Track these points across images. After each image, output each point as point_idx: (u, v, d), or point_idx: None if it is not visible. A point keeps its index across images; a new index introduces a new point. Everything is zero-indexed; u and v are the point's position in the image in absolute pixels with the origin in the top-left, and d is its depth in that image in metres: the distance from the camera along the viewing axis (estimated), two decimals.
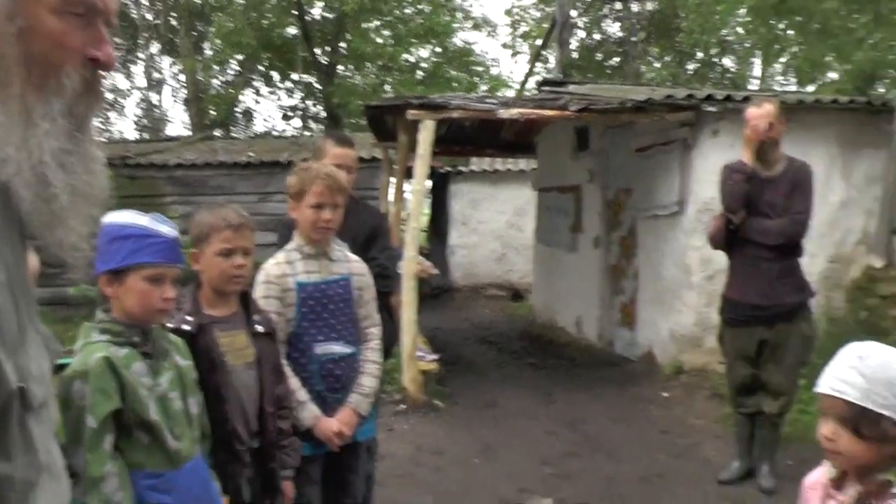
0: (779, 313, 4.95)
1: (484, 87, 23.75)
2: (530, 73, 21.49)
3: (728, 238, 5.04)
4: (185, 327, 2.63)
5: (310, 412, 3.13)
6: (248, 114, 26.75)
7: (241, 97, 25.36)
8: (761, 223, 4.92)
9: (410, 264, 6.91)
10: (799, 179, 4.98)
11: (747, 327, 5.02)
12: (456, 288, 16.09)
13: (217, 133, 21.69)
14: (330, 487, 3.32)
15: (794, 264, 5.07)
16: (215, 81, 25.27)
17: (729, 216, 4.97)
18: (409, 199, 8.32)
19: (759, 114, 4.86)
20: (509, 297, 15.46)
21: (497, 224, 16.24)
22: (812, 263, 7.80)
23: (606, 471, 5.53)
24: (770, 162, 4.95)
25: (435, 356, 8.17)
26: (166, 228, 2.34)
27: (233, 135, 23.61)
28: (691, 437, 6.25)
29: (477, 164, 16.27)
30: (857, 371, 1.87)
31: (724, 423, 6.23)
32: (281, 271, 3.20)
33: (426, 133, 7.44)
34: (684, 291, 7.88)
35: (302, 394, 3.12)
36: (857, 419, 1.85)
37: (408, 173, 8.77)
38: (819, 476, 2.07)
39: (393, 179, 10.71)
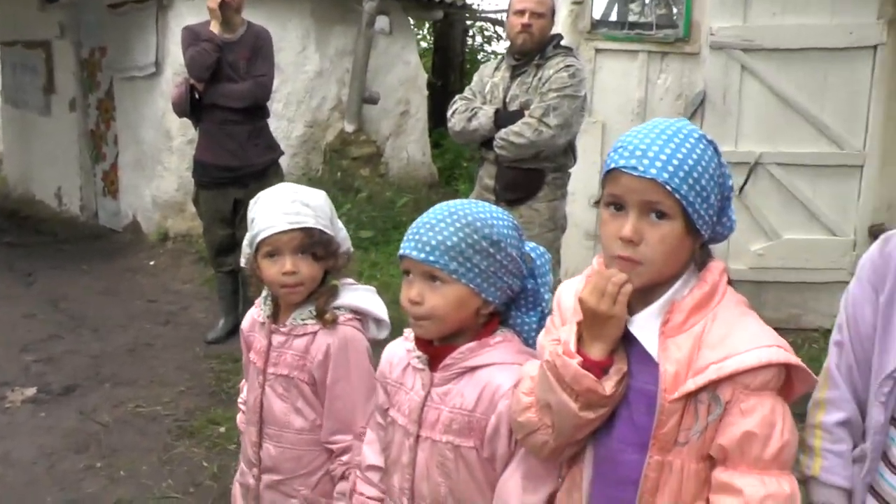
0: (251, 173, 5.14)
1: None
2: None
3: (193, 104, 5.08)
4: None
5: None
6: None
7: None
8: (227, 87, 5.02)
9: None
10: (260, 44, 5.16)
11: (221, 189, 5.18)
12: None
13: None
14: None
15: (263, 125, 5.28)
16: None
17: (193, 84, 5.01)
18: None
19: None
20: None
21: None
22: (291, 128, 8.32)
23: (93, 348, 5.42)
24: (233, 27, 5.05)
25: None
26: None
27: None
28: (179, 303, 6.36)
29: None
30: (299, 203, 2.11)
31: (209, 284, 6.37)
32: None
33: None
34: (165, 156, 7.82)
35: None
36: (314, 244, 2.10)
37: None
38: (254, 319, 2.29)
39: None
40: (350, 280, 2.26)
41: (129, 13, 8.16)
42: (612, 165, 1.47)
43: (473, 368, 1.73)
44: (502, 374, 1.70)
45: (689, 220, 1.45)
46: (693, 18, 5.63)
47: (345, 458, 2.11)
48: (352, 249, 2.29)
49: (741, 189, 5.57)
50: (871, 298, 1.64)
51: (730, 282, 1.55)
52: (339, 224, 2.23)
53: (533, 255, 1.83)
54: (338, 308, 2.14)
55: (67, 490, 3.69)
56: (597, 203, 4.87)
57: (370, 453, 1.96)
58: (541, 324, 1.77)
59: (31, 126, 10.57)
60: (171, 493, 3.66)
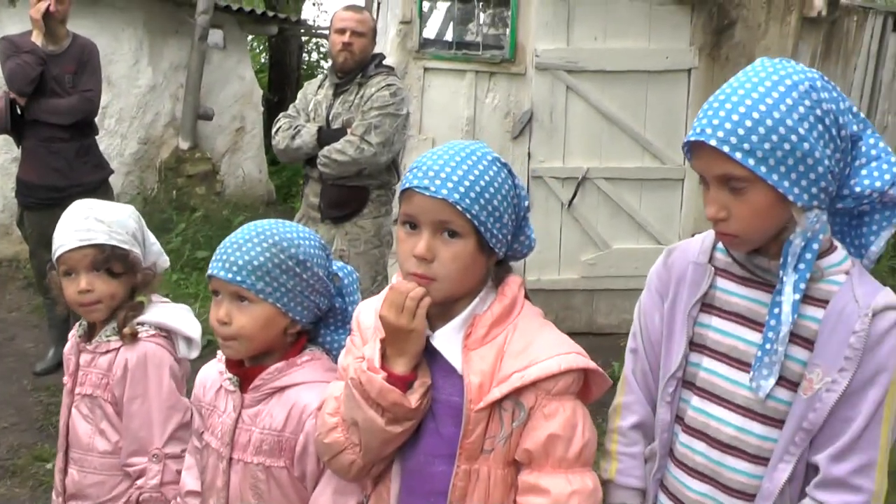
0: (79, 193, 4.87)
1: None
2: None
3: (14, 120, 4.82)
4: None
5: None
6: None
7: None
8: (51, 102, 4.78)
9: None
10: (86, 56, 4.94)
11: (48, 210, 4.87)
12: None
13: None
14: None
15: (91, 142, 5.06)
16: None
17: (14, 98, 4.76)
18: None
19: None
20: None
21: None
22: (124, 145, 8.03)
23: None
24: (57, 38, 4.83)
25: None
26: None
27: None
28: (4, 332, 5.96)
29: None
30: (92, 219, 2.07)
31: (39, 313, 6.04)
32: None
33: None
34: None
35: None
36: (110, 260, 2.06)
37: None
38: (73, 340, 2.23)
39: None
40: (162, 298, 2.23)
41: None
42: (406, 185, 1.51)
43: (282, 388, 1.76)
44: (310, 393, 1.74)
45: (482, 239, 1.50)
46: (518, 40, 5.87)
47: (140, 481, 2.05)
48: (166, 265, 2.27)
49: (570, 202, 5.86)
50: (659, 306, 1.72)
51: (526, 295, 1.62)
52: (152, 239, 2.21)
53: (340, 274, 1.87)
54: (142, 324, 2.10)
55: None
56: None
57: (189, 479, 1.95)
58: None
59: None
60: None
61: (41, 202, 4.92)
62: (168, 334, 2.13)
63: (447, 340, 1.55)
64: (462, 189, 1.46)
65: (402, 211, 1.53)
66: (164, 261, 2.24)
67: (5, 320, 6.24)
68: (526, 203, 1.59)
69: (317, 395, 1.71)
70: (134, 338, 2.06)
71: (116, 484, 2.09)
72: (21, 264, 7.09)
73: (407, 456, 1.59)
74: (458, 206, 1.46)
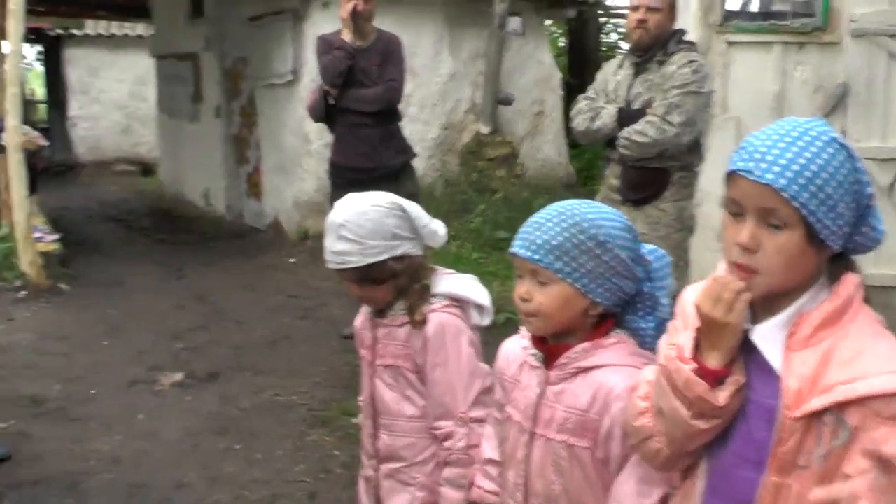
0: (384, 175, 5.25)
1: None
2: None
3: (327, 109, 5.28)
4: None
5: None
6: None
7: None
8: (359, 92, 5.18)
9: (14, 135, 6.37)
10: (390, 49, 5.29)
11: (355, 189, 5.28)
12: (81, 164, 15.17)
13: None
14: None
15: (395, 128, 5.40)
16: None
17: (327, 90, 5.22)
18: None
19: None
20: (139, 172, 14.87)
21: (119, 94, 15.43)
22: (427, 130, 8.51)
23: (235, 339, 5.74)
24: (364, 34, 5.23)
25: (55, 236, 7.77)
26: None
27: None
28: (317, 299, 6.62)
29: (92, 27, 15.14)
30: (345, 240, 2.10)
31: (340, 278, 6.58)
32: None
33: None
34: (304, 159, 8.17)
35: None
36: (368, 274, 2.12)
37: (2, 34, 7.98)
38: (364, 316, 2.33)
39: None
40: (447, 269, 2.27)
41: (268, 25, 8.58)
42: (731, 168, 1.39)
43: (587, 369, 1.72)
44: (616, 376, 1.69)
45: (812, 230, 1.34)
46: (832, 5, 5.29)
47: (447, 443, 2.14)
48: (443, 240, 2.24)
49: (892, 186, 5.23)
50: None
51: (866, 298, 1.43)
52: (423, 222, 2.19)
53: (650, 257, 1.79)
54: (435, 296, 2.16)
55: (208, 468, 3.93)
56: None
57: (488, 447, 1.99)
58: (658, 329, 1.73)
59: (182, 132, 11.25)
60: (303, 478, 3.83)
61: (349, 182, 5.35)
62: (460, 303, 2.18)
63: (768, 337, 1.41)
64: (790, 174, 1.31)
65: (728, 195, 1.41)
66: (441, 236, 2.23)
67: (319, 288, 6.90)
68: (869, 190, 1.40)
69: (622, 378, 1.67)
70: (424, 324, 2.13)
71: (426, 446, 2.20)
72: None
73: (715, 455, 1.49)
74: (783, 193, 1.31)
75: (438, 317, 2.13)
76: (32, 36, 13.69)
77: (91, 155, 15.40)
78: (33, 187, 6.96)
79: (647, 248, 1.80)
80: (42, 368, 5.23)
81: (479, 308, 2.21)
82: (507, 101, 8.98)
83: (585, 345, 1.73)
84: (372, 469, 2.33)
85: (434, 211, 5.16)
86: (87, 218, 10.71)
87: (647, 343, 1.76)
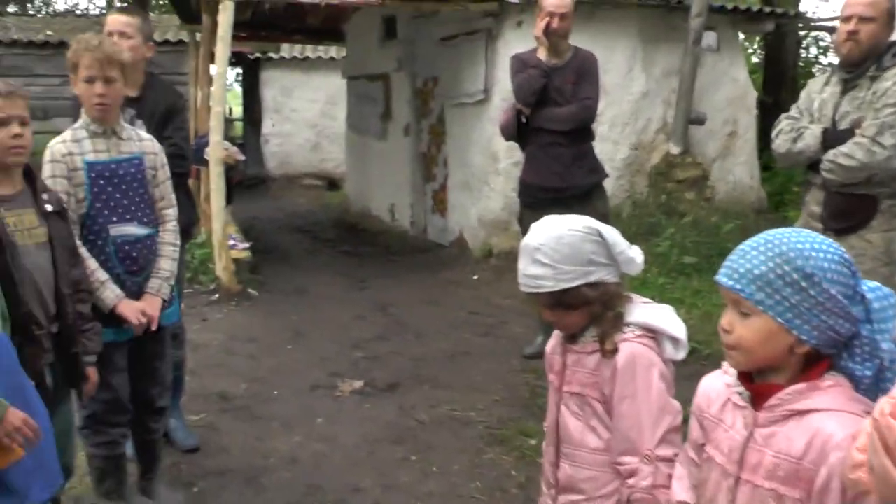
0: (575, 195, 5.17)
1: None
2: None
3: (520, 128, 5.20)
4: None
5: (111, 292, 3.07)
6: None
7: None
8: (552, 111, 5.09)
9: (216, 149, 6.73)
10: (586, 68, 5.17)
11: (545, 209, 5.17)
12: (271, 178, 15.91)
13: (10, 10, 19.96)
14: (136, 375, 3.29)
15: (588, 148, 5.30)
16: None
17: (520, 108, 5.14)
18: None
19: (559, 3, 4.98)
20: (325, 187, 15.45)
21: (310, 113, 16.05)
22: (616, 150, 8.31)
23: (415, 351, 5.75)
24: (560, 52, 5.12)
25: (247, 244, 8.12)
26: None
27: (29, 12, 21.80)
28: (498, 317, 6.55)
29: (287, 50, 15.88)
30: (539, 264, 2.04)
31: (530, 301, 6.47)
32: (67, 150, 3.06)
33: (225, 15, 7.23)
34: (492, 177, 8.15)
35: (101, 274, 3.05)
36: (560, 299, 2.06)
37: (213, 58, 8.50)
38: (556, 340, 2.28)
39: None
40: (642, 298, 2.18)
41: (460, 44, 8.64)
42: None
43: (801, 412, 1.58)
44: (834, 422, 1.53)
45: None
46: None
47: (631, 481, 2.03)
48: (639, 269, 2.14)
49: None
50: None
51: None
52: (619, 248, 2.09)
53: (871, 296, 1.60)
54: (628, 325, 2.07)
55: (384, 476, 3.92)
56: None
57: (680, 489, 1.89)
58: (878, 378, 1.57)
59: (370, 149, 11.52)
60: (478, 495, 3.75)
61: (539, 201, 5.26)
62: (654, 334, 2.09)
63: None
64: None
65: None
66: (638, 264, 2.13)
67: (500, 306, 6.84)
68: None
69: (842, 426, 1.52)
70: (615, 353, 2.05)
71: (609, 481, 2.11)
72: (516, 257, 7.64)
73: None
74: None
75: (630, 347, 2.05)
76: (234, 59, 14.48)
77: (281, 169, 16.08)
78: (229, 198, 7.28)
79: (870, 285, 1.62)
80: (230, 367, 5.43)
81: (674, 340, 2.09)
82: (700, 121, 8.63)
83: (799, 386, 1.59)
84: (550, 499, 2.27)
85: (620, 233, 4.99)
86: (275, 228, 11.17)
87: (865, 392, 1.59)
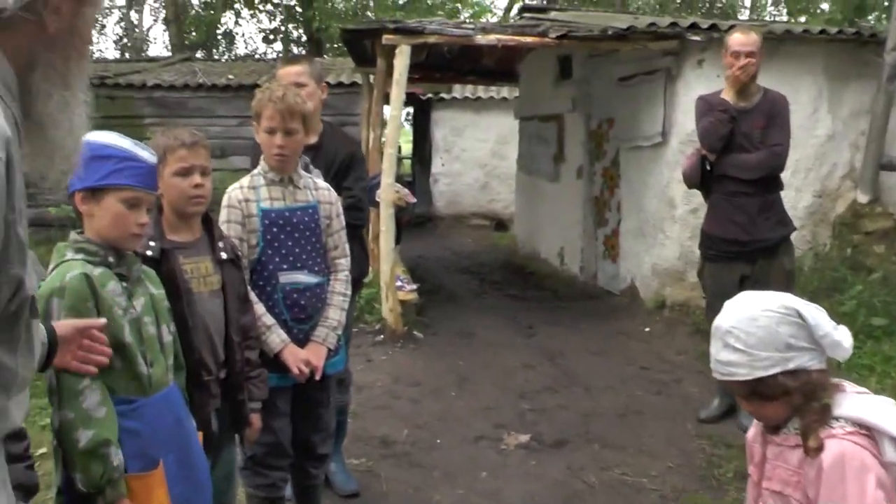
0: (760, 248, 4.87)
1: (466, 14, 23.30)
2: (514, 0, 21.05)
3: (703, 175, 4.92)
4: (149, 252, 2.54)
5: (277, 336, 3.08)
6: (228, 36, 26.32)
7: (221, 19, 24.82)
8: (739, 157, 4.80)
9: (388, 192, 6.78)
10: (776, 111, 4.86)
11: (728, 263, 4.93)
12: (439, 217, 16.03)
13: (198, 55, 21.35)
14: (299, 420, 3.27)
15: (775, 198, 4.97)
16: (195, 1, 24.72)
17: (705, 154, 4.85)
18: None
19: (745, 41, 4.72)
20: (492, 227, 15.44)
21: (480, 152, 16.08)
22: (798, 198, 7.75)
23: (584, 406, 5.50)
24: (748, 94, 4.82)
25: (414, 286, 8.10)
26: (147, 154, 2.31)
27: (214, 57, 23.26)
28: (672, 373, 6.20)
29: (459, 91, 16.04)
30: (731, 349, 1.87)
31: (705, 359, 6.09)
32: (244, 196, 3.12)
33: (401, 58, 7.32)
34: (667, 224, 7.78)
35: (268, 318, 3.07)
36: (756, 389, 1.87)
37: (386, 99, 8.63)
38: (757, 428, 2.08)
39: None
40: (858, 387, 1.93)
41: (638, 85, 8.36)
42: None
43: None
44: None
45: None
46: None
47: None
48: (848, 351, 1.91)
49: None
50: None
51: None
52: (822, 331, 1.86)
53: None
54: (838, 419, 1.83)
55: None
56: None
57: None
58: None
59: (540, 191, 11.37)
60: None
61: (722, 254, 4.96)
62: (869, 432, 1.82)
63: None
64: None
65: None
66: (846, 349, 1.89)
67: (673, 362, 6.48)
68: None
69: None
70: (820, 451, 1.81)
71: None
72: (691, 310, 7.33)
73: None
74: None
75: (839, 445, 1.79)
76: (406, 99, 14.76)
77: (449, 209, 16.17)
78: (398, 239, 7.31)
79: None
80: (393, 411, 5.36)
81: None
82: (892, 167, 7.89)
83: None
84: None
85: (801, 289, 4.58)
86: (442, 268, 11.14)
87: None
